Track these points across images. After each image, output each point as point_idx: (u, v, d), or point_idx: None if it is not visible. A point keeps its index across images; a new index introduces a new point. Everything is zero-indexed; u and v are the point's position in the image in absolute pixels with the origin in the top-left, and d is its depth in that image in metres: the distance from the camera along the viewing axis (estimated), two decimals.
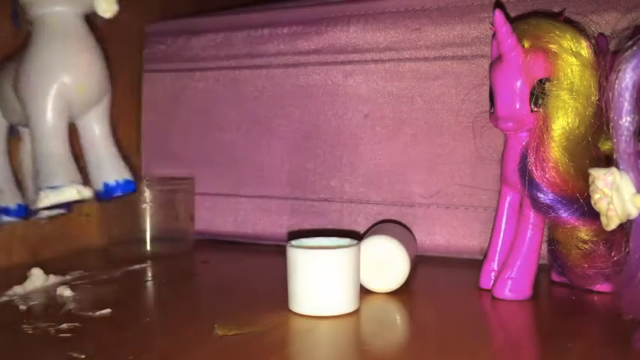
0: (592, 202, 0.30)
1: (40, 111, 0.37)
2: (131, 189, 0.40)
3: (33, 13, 0.38)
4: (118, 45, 0.58)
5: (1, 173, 0.42)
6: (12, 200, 0.42)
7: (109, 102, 0.41)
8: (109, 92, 0.41)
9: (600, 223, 0.30)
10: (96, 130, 0.40)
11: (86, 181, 0.40)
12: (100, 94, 0.40)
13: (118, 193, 0.40)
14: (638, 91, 0.27)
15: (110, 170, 0.40)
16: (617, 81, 0.27)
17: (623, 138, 0.28)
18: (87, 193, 0.37)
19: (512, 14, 0.49)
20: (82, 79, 0.37)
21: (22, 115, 0.39)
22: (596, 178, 0.29)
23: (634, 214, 0.28)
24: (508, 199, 0.43)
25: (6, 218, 0.41)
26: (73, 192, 0.36)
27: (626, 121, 0.28)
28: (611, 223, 0.29)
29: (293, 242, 0.40)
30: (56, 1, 0.37)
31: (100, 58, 0.40)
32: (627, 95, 0.27)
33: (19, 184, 0.45)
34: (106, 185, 0.39)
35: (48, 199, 0.35)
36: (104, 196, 0.40)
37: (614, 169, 0.28)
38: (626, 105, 0.27)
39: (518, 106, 0.39)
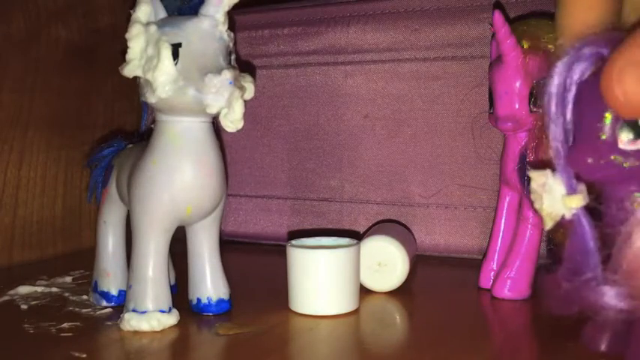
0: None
1: (142, 234, 0.35)
2: (224, 309, 0.38)
3: (158, 117, 0.35)
4: (117, 45, 0.58)
5: (114, 257, 0.41)
6: (115, 286, 0.40)
7: (221, 210, 0.38)
8: (224, 199, 0.38)
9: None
10: (202, 240, 0.38)
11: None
12: (212, 208, 0.37)
13: (209, 313, 0.38)
14: (562, 96, 0.28)
15: (206, 286, 0.38)
16: (546, 86, 0.28)
17: (556, 141, 0.28)
18: (170, 321, 0.36)
19: (512, 15, 0.49)
20: (190, 200, 0.35)
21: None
22: (531, 180, 0.30)
23: (567, 214, 0.28)
24: (507, 198, 0.44)
25: (105, 304, 0.40)
26: (154, 323, 0.35)
27: (556, 124, 0.28)
28: (546, 223, 0.29)
29: (293, 242, 0.40)
30: (180, 111, 0.34)
31: (215, 171, 0.36)
32: (554, 100, 0.28)
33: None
34: (198, 300, 0.38)
35: (129, 324, 0.35)
36: (194, 309, 0.38)
37: (547, 171, 0.29)
38: (553, 109, 0.28)
39: (517, 107, 0.39)
